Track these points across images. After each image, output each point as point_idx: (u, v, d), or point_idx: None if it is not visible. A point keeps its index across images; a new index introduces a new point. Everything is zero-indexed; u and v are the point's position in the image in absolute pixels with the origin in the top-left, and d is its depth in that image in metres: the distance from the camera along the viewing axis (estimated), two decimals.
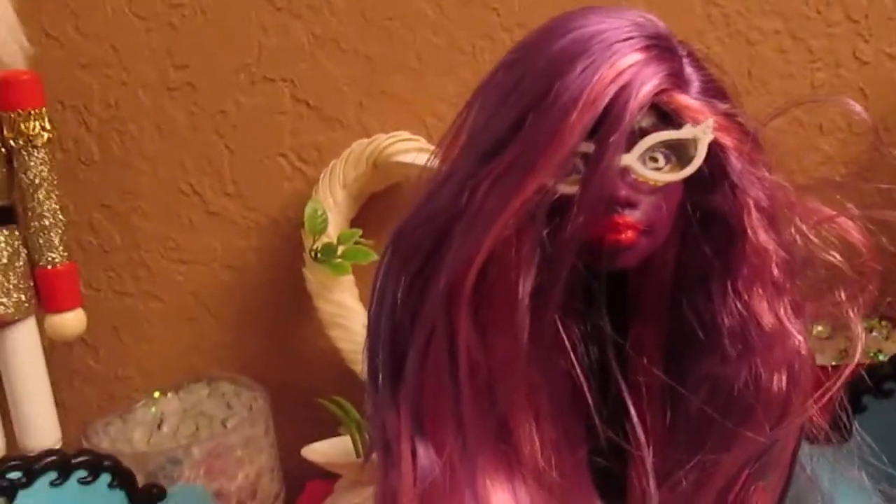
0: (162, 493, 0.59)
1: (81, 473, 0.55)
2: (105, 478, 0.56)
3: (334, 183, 0.78)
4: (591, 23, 0.36)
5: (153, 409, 0.80)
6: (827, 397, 0.38)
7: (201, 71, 0.83)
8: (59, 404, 0.80)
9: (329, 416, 0.76)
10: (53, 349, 0.84)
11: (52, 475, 0.54)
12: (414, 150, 0.77)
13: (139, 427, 0.78)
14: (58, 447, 0.74)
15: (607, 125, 0.33)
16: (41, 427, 0.74)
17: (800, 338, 0.37)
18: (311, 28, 0.82)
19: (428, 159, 0.42)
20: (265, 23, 0.82)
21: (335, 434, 0.78)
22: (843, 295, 0.38)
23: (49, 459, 0.54)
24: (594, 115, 0.33)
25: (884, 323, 0.82)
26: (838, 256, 0.37)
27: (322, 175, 0.79)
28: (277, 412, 0.79)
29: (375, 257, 0.75)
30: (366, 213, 0.82)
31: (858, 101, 0.83)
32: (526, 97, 0.35)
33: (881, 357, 0.78)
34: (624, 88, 0.33)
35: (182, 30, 0.82)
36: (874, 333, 0.82)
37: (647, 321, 0.41)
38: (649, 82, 0.34)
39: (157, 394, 0.81)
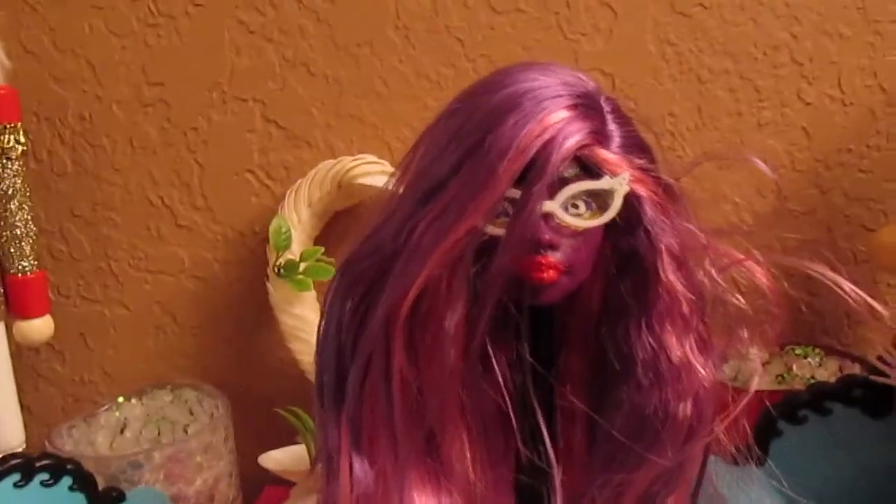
0: (121, 497, 0.62)
1: (44, 476, 0.58)
2: (66, 480, 0.59)
3: (299, 201, 0.81)
4: (525, 79, 0.39)
5: (117, 414, 0.82)
6: (727, 421, 0.41)
7: (175, 89, 0.86)
8: (24, 407, 0.82)
9: (287, 425, 0.79)
10: (20, 353, 0.86)
11: (16, 477, 0.57)
12: (377, 173, 0.80)
13: (102, 431, 0.80)
14: (21, 449, 0.76)
15: (533, 175, 0.37)
16: (5, 429, 0.76)
17: (703, 371, 0.40)
18: (282, 51, 0.85)
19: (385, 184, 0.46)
20: (238, 45, 0.85)
21: (293, 442, 0.81)
22: (745, 333, 0.42)
23: (13, 462, 0.57)
24: (521, 165, 0.37)
25: (817, 350, 0.86)
26: (741, 298, 0.41)
27: (288, 193, 0.83)
28: (237, 419, 0.82)
29: None
30: (329, 231, 0.86)
31: (801, 140, 0.89)
32: (463, 145, 0.39)
33: None
34: (549, 142, 0.37)
35: (157, 49, 0.85)
36: (808, 360, 0.86)
37: (573, 351, 0.44)
38: (572, 138, 0.38)
39: (121, 399, 0.83)
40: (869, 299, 0.42)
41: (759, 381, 0.84)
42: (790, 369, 0.85)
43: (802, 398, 0.58)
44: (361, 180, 0.80)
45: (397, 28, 0.85)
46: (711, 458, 0.46)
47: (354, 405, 0.40)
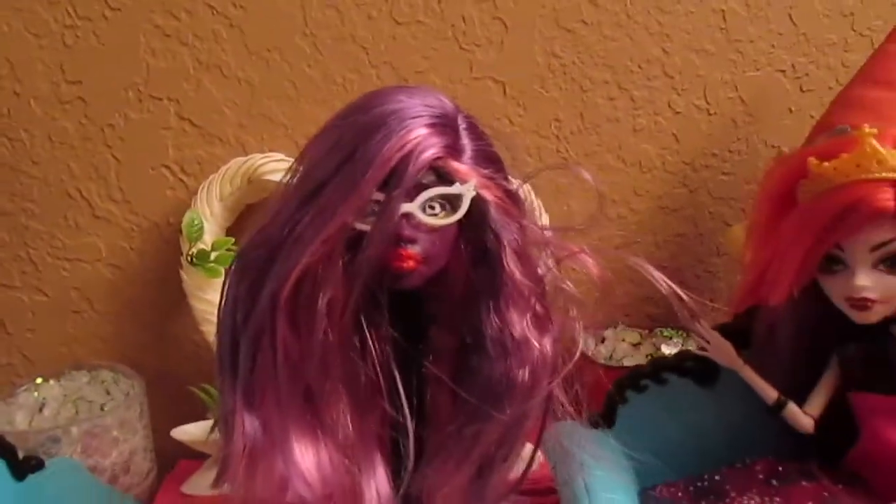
0: (40, 464, 0.67)
1: None
2: None
3: (212, 195, 0.87)
4: (392, 101, 0.47)
5: (35, 394, 0.86)
6: (555, 383, 0.50)
7: (92, 87, 0.90)
8: None
9: (201, 402, 0.85)
10: None
11: None
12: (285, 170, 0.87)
13: (21, 410, 0.84)
14: None
15: (394, 181, 0.45)
16: None
17: (538, 345, 0.49)
18: (196, 55, 0.90)
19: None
20: (154, 47, 0.89)
21: (206, 418, 0.87)
22: (575, 313, 0.51)
23: None
24: (384, 174, 0.45)
25: (681, 332, 0.97)
26: (570, 285, 0.50)
27: (201, 187, 0.88)
28: (154, 399, 0.87)
29: None
30: (242, 223, 0.92)
31: (671, 146, 0.99)
32: (338, 156, 0.46)
33: None
34: (407, 155, 0.45)
35: (75, 48, 0.89)
36: (674, 340, 0.97)
37: (440, 328, 0.52)
38: (428, 151, 0.45)
39: (39, 380, 0.88)
40: (675, 287, 0.51)
41: (631, 360, 0.95)
42: (658, 349, 0.96)
43: (644, 370, 0.68)
44: (270, 177, 0.87)
45: (305, 35, 0.91)
46: (567, 421, 0.55)
47: (246, 372, 0.48)
